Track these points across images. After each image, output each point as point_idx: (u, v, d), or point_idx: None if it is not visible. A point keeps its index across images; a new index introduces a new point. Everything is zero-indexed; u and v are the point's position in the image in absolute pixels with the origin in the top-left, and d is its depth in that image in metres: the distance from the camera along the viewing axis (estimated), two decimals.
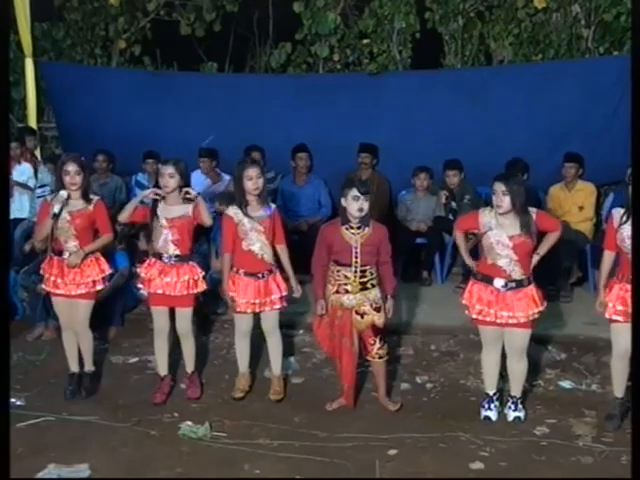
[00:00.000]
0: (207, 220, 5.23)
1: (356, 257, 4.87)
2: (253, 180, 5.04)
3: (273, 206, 5.23)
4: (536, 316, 4.87)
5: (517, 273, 4.80)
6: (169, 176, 5.13)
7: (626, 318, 4.65)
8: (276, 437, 4.76)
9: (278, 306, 5.23)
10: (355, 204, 4.80)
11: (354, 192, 4.79)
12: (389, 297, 5.02)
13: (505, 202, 4.73)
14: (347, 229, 4.89)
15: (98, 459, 4.51)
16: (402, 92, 8.17)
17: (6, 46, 4.94)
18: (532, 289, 4.85)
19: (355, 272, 4.89)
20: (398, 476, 4.35)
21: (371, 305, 4.94)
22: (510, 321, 4.82)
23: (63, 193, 5.10)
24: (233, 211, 5.15)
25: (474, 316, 4.92)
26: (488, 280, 4.85)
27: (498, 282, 4.82)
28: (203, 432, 4.80)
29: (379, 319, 4.97)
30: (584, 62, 8.23)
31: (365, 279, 4.92)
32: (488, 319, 4.86)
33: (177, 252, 5.19)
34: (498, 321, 4.84)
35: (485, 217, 4.87)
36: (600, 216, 7.46)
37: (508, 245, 4.77)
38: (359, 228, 4.88)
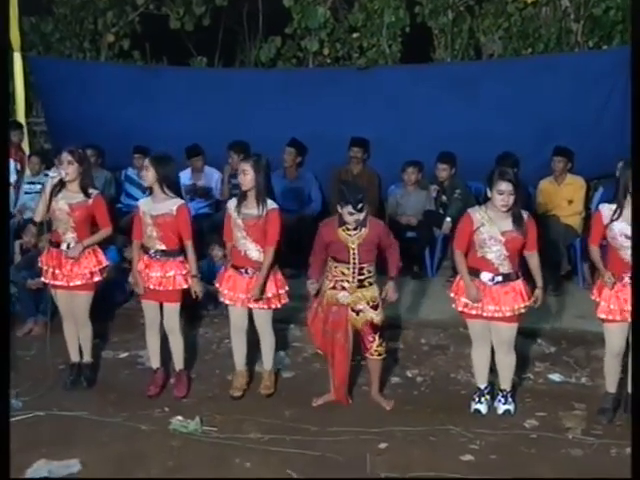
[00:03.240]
0: (185, 234, 5.15)
1: (354, 257, 4.89)
2: (240, 175, 5.05)
3: (272, 206, 5.08)
4: (522, 311, 4.89)
5: (505, 267, 4.82)
6: (146, 169, 5.14)
7: (621, 317, 4.67)
8: (267, 431, 4.77)
9: (263, 306, 5.15)
10: (350, 217, 4.83)
11: (349, 209, 4.80)
12: (391, 280, 4.99)
13: (511, 201, 4.75)
14: (344, 230, 4.90)
15: (88, 454, 4.50)
16: (392, 86, 8.15)
17: (6, 47, 4.86)
18: (520, 283, 4.87)
19: (353, 270, 4.90)
20: (389, 469, 4.36)
21: (368, 303, 4.94)
22: (496, 315, 4.83)
23: (62, 172, 5.15)
24: (230, 204, 5.21)
25: (460, 309, 4.95)
26: (475, 273, 4.86)
27: (485, 276, 4.83)
28: (194, 427, 4.80)
29: (377, 316, 4.97)
30: (573, 56, 8.24)
31: (363, 277, 4.92)
32: (474, 312, 4.88)
33: (162, 247, 5.19)
34: (484, 314, 4.86)
35: (476, 214, 4.87)
36: (589, 210, 7.48)
37: (500, 240, 4.78)
38: (355, 229, 4.88)
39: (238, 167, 5.11)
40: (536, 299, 4.91)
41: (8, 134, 6.41)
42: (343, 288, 4.93)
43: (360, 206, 4.79)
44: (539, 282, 4.91)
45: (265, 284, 5.08)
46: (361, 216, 4.83)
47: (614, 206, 4.68)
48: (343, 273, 4.92)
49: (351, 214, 4.81)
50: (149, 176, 5.13)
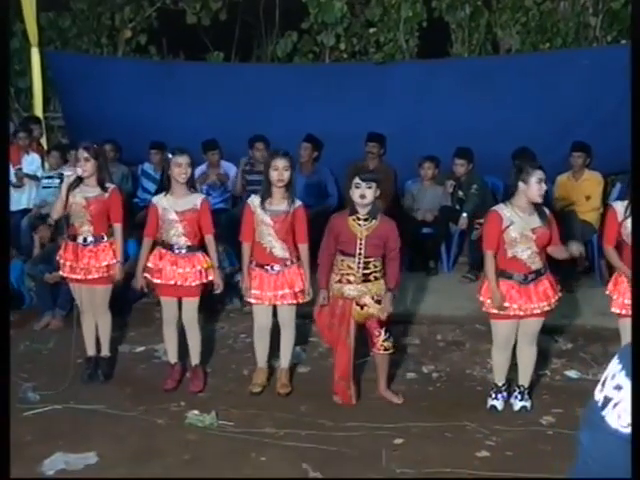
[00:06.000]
0: (208, 228, 5.19)
1: (360, 248, 4.86)
2: (279, 171, 4.97)
3: (298, 203, 5.09)
4: (556, 304, 4.86)
5: (536, 264, 4.79)
6: (184, 167, 5.11)
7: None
8: (282, 426, 4.77)
9: (290, 301, 5.15)
10: (357, 191, 4.79)
11: (356, 180, 4.79)
12: (389, 291, 4.94)
13: (543, 191, 4.72)
14: (354, 220, 4.88)
15: (105, 447, 4.52)
16: (409, 81, 8.15)
17: (6, 49, 4.86)
18: (548, 276, 4.85)
19: (358, 263, 4.88)
20: (404, 464, 4.34)
21: (372, 297, 4.92)
22: (535, 312, 4.80)
23: (78, 170, 5.19)
24: (252, 200, 5.14)
25: (493, 311, 4.84)
26: (507, 275, 4.79)
27: (518, 277, 4.78)
28: (210, 421, 4.81)
29: (380, 312, 4.95)
30: (592, 51, 8.19)
31: (368, 271, 4.90)
32: (512, 313, 4.80)
33: (189, 243, 5.20)
34: (521, 313, 4.80)
35: (504, 212, 4.78)
36: (607, 206, 7.43)
37: (532, 238, 4.73)
38: (366, 220, 4.87)
39: (271, 163, 5.00)
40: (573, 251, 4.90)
41: (8, 134, 6.41)
42: (349, 282, 4.91)
43: (366, 177, 4.78)
44: (567, 250, 4.89)
45: (301, 280, 5.12)
46: (368, 192, 4.77)
47: (626, 202, 4.65)
48: (349, 267, 4.90)
49: (358, 185, 4.78)
50: (188, 173, 5.13)
